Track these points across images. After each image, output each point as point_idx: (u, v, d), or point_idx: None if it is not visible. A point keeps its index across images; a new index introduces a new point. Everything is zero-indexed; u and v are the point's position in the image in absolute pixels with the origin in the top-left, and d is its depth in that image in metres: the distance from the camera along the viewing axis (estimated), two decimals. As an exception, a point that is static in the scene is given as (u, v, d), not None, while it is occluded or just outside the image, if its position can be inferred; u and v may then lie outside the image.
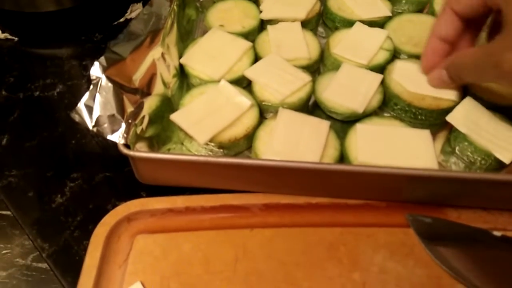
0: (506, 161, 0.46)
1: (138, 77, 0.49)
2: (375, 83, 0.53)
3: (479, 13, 0.46)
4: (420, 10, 0.66)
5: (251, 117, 0.50)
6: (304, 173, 0.43)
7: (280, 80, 0.52)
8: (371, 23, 0.60)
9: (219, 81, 0.53)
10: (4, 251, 0.46)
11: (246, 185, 0.46)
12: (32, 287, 0.43)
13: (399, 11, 0.66)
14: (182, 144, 0.50)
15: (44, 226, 0.47)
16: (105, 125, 0.44)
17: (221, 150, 0.49)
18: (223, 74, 0.54)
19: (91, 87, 0.46)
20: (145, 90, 0.49)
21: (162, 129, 0.49)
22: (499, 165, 0.47)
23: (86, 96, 0.45)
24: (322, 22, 0.66)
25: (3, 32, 0.67)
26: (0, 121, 0.56)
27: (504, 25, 0.41)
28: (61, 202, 0.48)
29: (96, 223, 0.44)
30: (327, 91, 0.52)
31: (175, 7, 0.58)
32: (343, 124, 0.53)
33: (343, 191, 0.45)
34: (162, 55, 0.52)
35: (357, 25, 0.60)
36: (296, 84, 0.52)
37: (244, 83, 0.56)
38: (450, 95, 0.51)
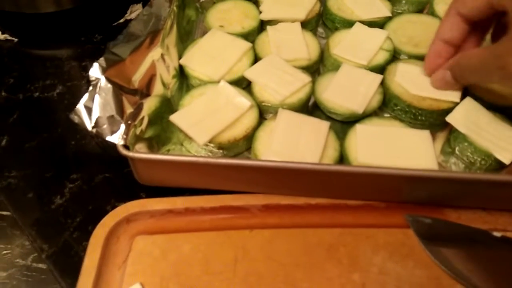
0: (506, 161, 0.46)
1: (137, 78, 0.49)
2: (375, 84, 0.53)
3: (484, 16, 0.45)
4: (420, 11, 0.66)
5: (251, 118, 0.50)
6: (303, 174, 0.43)
7: (279, 81, 0.52)
8: (371, 24, 0.60)
9: (218, 82, 0.53)
10: (4, 252, 0.46)
11: (245, 186, 0.46)
12: (32, 287, 0.43)
13: (399, 11, 0.66)
14: (182, 145, 0.50)
15: (43, 227, 0.47)
16: (105, 126, 0.44)
17: (221, 151, 0.49)
18: (222, 75, 0.54)
19: (91, 88, 0.46)
20: (145, 91, 0.49)
21: (161, 130, 0.49)
22: (499, 166, 0.47)
23: (85, 97, 0.45)
24: (322, 22, 0.66)
25: (3, 33, 0.67)
26: (0, 122, 0.56)
27: (510, 27, 0.40)
28: (60, 203, 0.48)
29: (95, 224, 0.44)
30: (326, 92, 0.52)
31: (174, 8, 0.58)
32: (342, 124, 0.53)
33: (343, 192, 0.45)
34: (162, 56, 0.52)
35: (357, 25, 0.60)
36: (295, 85, 0.52)
37: (243, 84, 0.56)
38: (450, 96, 0.51)
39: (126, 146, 0.43)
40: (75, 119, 0.44)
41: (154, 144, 0.48)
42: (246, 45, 0.57)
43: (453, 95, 0.51)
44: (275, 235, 0.44)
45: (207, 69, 0.55)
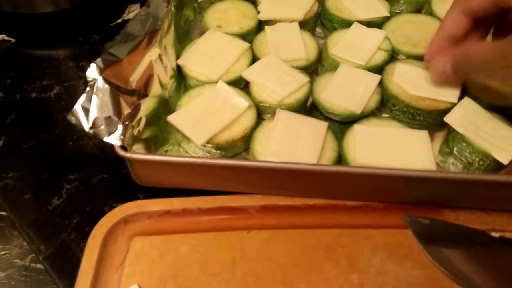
0: (504, 161, 0.46)
1: (135, 78, 0.49)
2: (373, 84, 0.53)
3: (489, 13, 0.45)
4: (418, 10, 0.66)
5: (249, 119, 0.50)
6: (302, 174, 0.43)
7: (277, 81, 0.52)
8: (369, 24, 0.60)
9: (216, 82, 0.52)
10: (3, 252, 0.46)
11: (243, 187, 0.46)
12: (30, 288, 0.43)
13: (397, 11, 0.66)
14: (180, 145, 0.50)
15: (41, 228, 0.47)
16: (102, 127, 0.44)
17: (219, 151, 0.49)
18: (220, 75, 0.54)
19: (88, 89, 0.46)
20: (142, 92, 0.49)
21: (159, 131, 0.49)
22: (497, 166, 0.47)
23: (82, 98, 0.45)
24: (320, 22, 0.66)
25: (0, 34, 0.67)
26: (-3, 123, 0.56)
27: None
28: (58, 204, 0.48)
29: (93, 225, 0.44)
30: (325, 92, 0.52)
31: (172, 8, 0.57)
32: (341, 125, 0.52)
33: (341, 192, 0.45)
34: (159, 56, 0.52)
35: (355, 25, 0.60)
36: (293, 85, 0.52)
37: (241, 84, 0.55)
38: (448, 96, 0.51)
39: (123, 147, 0.43)
40: (72, 120, 0.44)
41: (152, 145, 0.48)
42: (244, 45, 0.57)
43: (451, 96, 0.51)
44: (273, 236, 0.44)
45: (205, 70, 0.55)
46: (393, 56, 0.58)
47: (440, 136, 0.52)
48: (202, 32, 0.60)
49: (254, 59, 0.57)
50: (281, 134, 0.47)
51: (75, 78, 0.61)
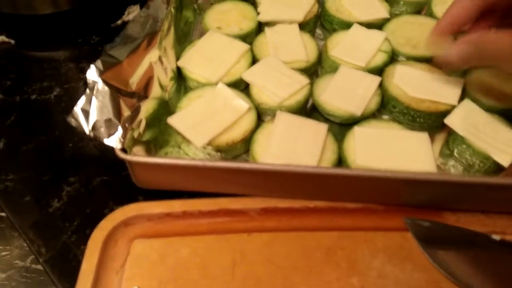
0: (505, 164, 0.46)
1: (135, 80, 0.49)
2: (373, 86, 0.53)
3: (503, 2, 0.44)
4: (418, 12, 0.66)
5: (249, 120, 0.50)
6: (302, 177, 0.43)
7: (277, 83, 0.52)
8: (369, 25, 0.60)
9: (216, 84, 0.52)
10: (3, 253, 0.45)
11: (243, 189, 0.46)
12: (30, 289, 0.43)
13: (397, 12, 0.66)
14: (180, 147, 0.50)
15: (41, 230, 0.47)
16: (102, 129, 0.44)
17: (219, 153, 0.49)
18: (220, 76, 0.54)
19: (88, 91, 0.46)
20: (142, 94, 0.48)
21: (159, 133, 0.49)
22: (498, 168, 0.47)
23: (82, 100, 0.45)
24: (320, 24, 0.66)
25: (0, 35, 0.67)
26: (-3, 125, 0.56)
27: None
28: (58, 207, 0.48)
29: (93, 228, 0.44)
30: (325, 94, 0.52)
31: (172, 9, 0.57)
32: (341, 127, 0.52)
33: (341, 194, 0.45)
34: (159, 58, 0.52)
35: (355, 27, 0.60)
36: (293, 87, 0.52)
37: (242, 86, 0.55)
38: (449, 98, 0.51)
39: (123, 150, 0.43)
40: (72, 122, 0.44)
41: (152, 147, 0.48)
42: (244, 46, 0.57)
43: (451, 98, 0.51)
44: (273, 238, 0.44)
45: (205, 71, 0.55)
46: (393, 57, 0.58)
47: (440, 138, 0.52)
48: (202, 33, 0.60)
49: (254, 61, 0.57)
50: (281, 136, 0.47)
51: (75, 79, 0.61)
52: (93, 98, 0.45)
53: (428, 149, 0.47)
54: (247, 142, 0.49)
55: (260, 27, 0.63)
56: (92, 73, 0.47)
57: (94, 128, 0.44)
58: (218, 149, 0.48)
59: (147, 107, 0.47)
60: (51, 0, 0.63)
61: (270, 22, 0.61)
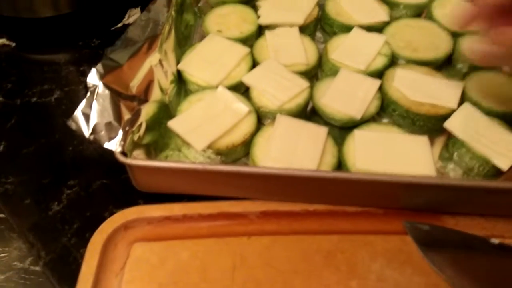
0: (504, 167, 0.46)
1: (135, 84, 0.49)
2: (373, 89, 0.53)
3: None
4: (418, 15, 0.66)
5: (249, 124, 0.50)
6: (302, 180, 0.43)
7: (277, 86, 0.52)
8: (369, 28, 0.60)
9: (217, 87, 0.53)
10: (2, 255, 0.46)
11: (243, 192, 0.46)
12: (29, 291, 0.43)
13: (397, 16, 0.66)
14: (180, 150, 0.50)
15: (41, 233, 0.47)
16: (102, 133, 0.44)
17: (219, 156, 0.49)
18: (221, 80, 0.54)
19: (88, 94, 0.46)
20: (143, 97, 0.49)
21: (159, 136, 0.49)
22: (497, 172, 0.47)
23: (83, 103, 0.45)
24: (320, 27, 0.66)
25: (0, 38, 0.67)
26: (-3, 128, 0.56)
27: None
28: (58, 210, 0.48)
29: (93, 231, 0.44)
30: (325, 97, 0.52)
31: (173, 12, 0.57)
32: (341, 130, 0.52)
33: (341, 198, 0.45)
34: (160, 61, 0.52)
35: (355, 30, 0.60)
36: (294, 90, 0.52)
37: (242, 89, 0.55)
38: (448, 102, 0.51)
39: (123, 153, 0.43)
40: (73, 125, 0.44)
41: (152, 150, 0.48)
42: (244, 50, 0.57)
43: (451, 101, 0.51)
44: (273, 242, 0.44)
45: (205, 74, 0.55)
46: (393, 61, 0.58)
47: (440, 141, 0.52)
48: (202, 37, 0.61)
49: (254, 64, 0.57)
50: (281, 139, 0.47)
51: (76, 82, 0.61)
52: (94, 101, 0.45)
53: (428, 153, 0.47)
54: (247, 145, 0.49)
55: (260, 30, 0.63)
56: (92, 77, 0.47)
57: (94, 131, 0.44)
58: (218, 153, 0.48)
59: (147, 111, 0.47)
60: (52, 3, 0.63)
61: (270, 25, 0.61)
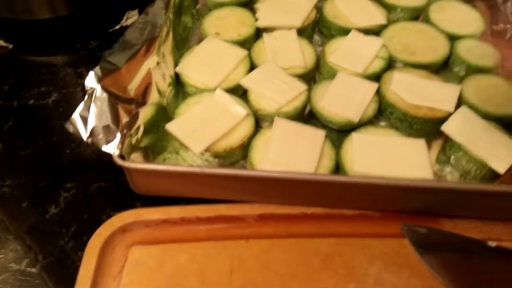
0: (501, 171, 0.46)
1: (133, 86, 0.49)
2: (370, 92, 0.53)
3: None
4: (415, 18, 0.66)
5: (247, 127, 0.50)
6: (299, 184, 0.43)
7: (275, 89, 0.52)
8: (367, 31, 0.61)
9: (215, 89, 0.53)
10: (-2, 256, 0.46)
11: (241, 195, 0.46)
12: (26, 293, 0.43)
13: (395, 19, 0.66)
14: (178, 153, 0.50)
15: (38, 236, 0.47)
16: (100, 136, 0.44)
17: (217, 159, 0.49)
18: (219, 82, 0.54)
19: (86, 97, 0.46)
20: (140, 100, 0.49)
21: (157, 139, 0.49)
22: (494, 175, 0.47)
23: (80, 106, 0.45)
24: (318, 30, 0.66)
25: (-2, 40, 0.67)
26: (-5, 130, 0.56)
27: None
28: (55, 213, 0.48)
29: (90, 234, 0.44)
30: (322, 100, 0.52)
31: (171, 15, 0.58)
32: (338, 133, 0.53)
33: (339, 201, 0.45)
34: (158, 63, 0.52)
35: (353, 33, 0.60)
36: (291, 93, 0.52)
37: (240, 92, 0.55)
38: (445, 105, 0.51)
39: (121, 156, 0.43)
40: (71, 128, 0.44)
41: (150, 153, 0.48)
42: (242, 52, 0.57)
43: (448, 104, 0.51)
44: (271, 245, 0.44)
45: (203, 77, 0.55)
46: (390, 64, 0.58)
47: (437, 145, 0.52)
48: (200, 39, 0.61)
49: (252, 67, 0.57)
50: (279, 142, 0.48)
51: (73, 84, 0.61)
52: (92, 104, 0.45)
53: (425, 156, 0.47)
54: (245, 148, 0.49)
55: (258, 33, 0.63)
56: (90, 80, 0.47)
57: (92, 134, 0.44)
58: (216, 155, 0.48)
59: (145, 113, 0.47)
60: (49, 5, 0.63)
61: (268, 28, 0.61)
